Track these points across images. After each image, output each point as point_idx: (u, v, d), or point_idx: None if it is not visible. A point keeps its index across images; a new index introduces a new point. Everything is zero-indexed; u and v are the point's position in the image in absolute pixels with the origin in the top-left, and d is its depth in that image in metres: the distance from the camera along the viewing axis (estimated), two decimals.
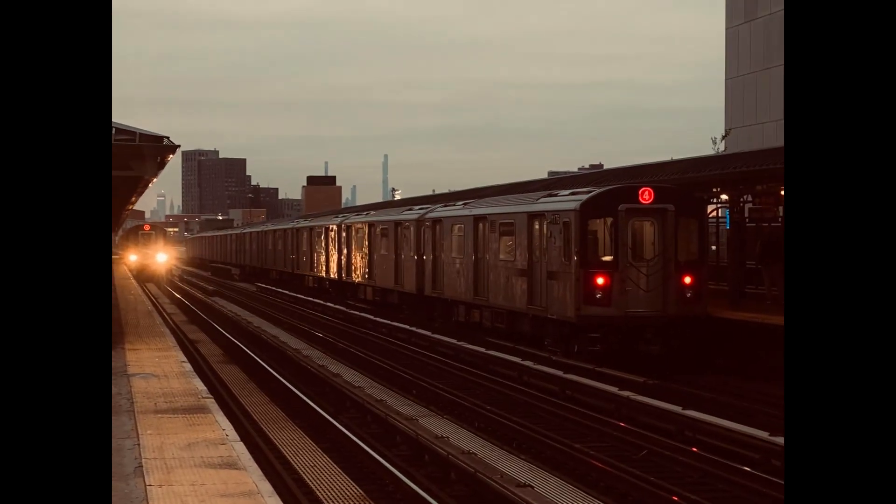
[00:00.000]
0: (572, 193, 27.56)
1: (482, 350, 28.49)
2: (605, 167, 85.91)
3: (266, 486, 10.00)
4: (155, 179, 28.95)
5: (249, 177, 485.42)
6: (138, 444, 11.94)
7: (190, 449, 11.64)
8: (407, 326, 35.60)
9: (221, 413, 14.24)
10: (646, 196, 25.65)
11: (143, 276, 77.34)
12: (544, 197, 29.17)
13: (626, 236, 25.59)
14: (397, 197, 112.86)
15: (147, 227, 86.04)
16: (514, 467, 16.09)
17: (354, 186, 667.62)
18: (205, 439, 12.22)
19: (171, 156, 23.13)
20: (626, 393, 20.67)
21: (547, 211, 27.66)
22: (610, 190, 26.55)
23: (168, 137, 22.78)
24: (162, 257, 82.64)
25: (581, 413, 20.66)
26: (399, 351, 31.89)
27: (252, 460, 11.11)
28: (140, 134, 22.72)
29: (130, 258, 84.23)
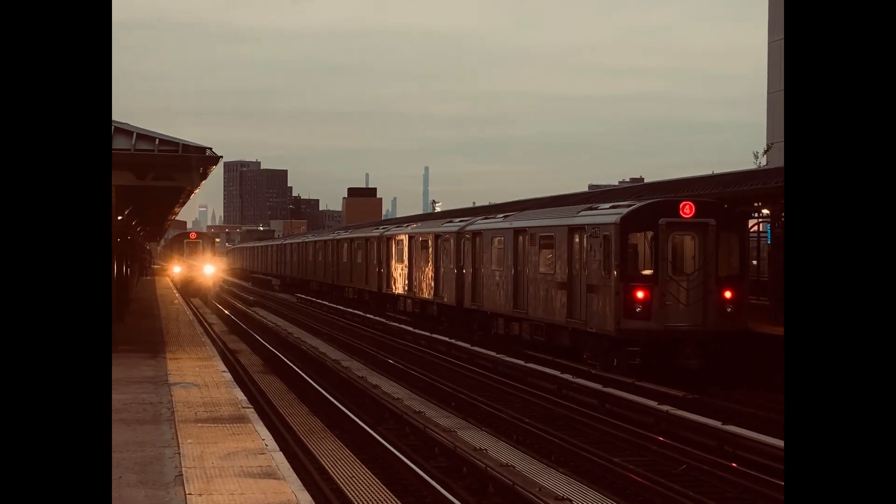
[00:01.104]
0: (612, 207, 27.60)
1: (521, 363, 28.44)
2: (645, 181, 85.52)
3: (305, 497, 10.05)
4: (197, 190, 29.24)
5: (291, 188, 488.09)
6: (179, 453, 12.03)
7: (229, 458, 11.71)
8: (446, 339, 35.62)
9: (261, 423, 14.32)
10: (687, 210, 25.70)
11: (188, 291, 70.47)
12: (584, 210, 29.21)
13: (666, 250, 25.57)
14: (437, 209, 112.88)
15: (194, 236, 78.70)
16: (552, 481, 16.04)
17: (395, 198, 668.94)
18: (244, 449, 12.29)
19: (213, 167, 23.34)
20: (665, 407, 20.56)
21: (587, 224, 27.70)
22: (650, 204, 26.55)
23: (211, 149, 23.00)
24: (209, 269, 74.99)
25: (620, 427, 20.57)
26: (438, 363, 31.91)
27: (291, 470, 11.16)
28: (183, 145, 22.95)
29: (174, 270, 77.63)
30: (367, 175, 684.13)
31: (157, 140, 23.25)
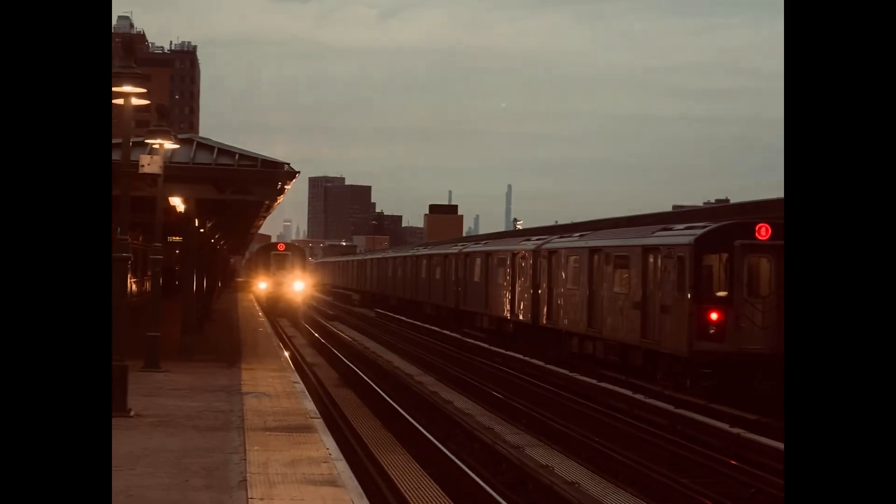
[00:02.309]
0: (687, 228, 27.64)
1: (594, 382, 28.42)
2: (730, 202, 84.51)
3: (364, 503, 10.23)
4: (276, 204, 29.79)
5: (374, 204, 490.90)
6: (245, 459, 12.32)
7: (293, 465, 11.97)
8: (521, 356, 35.68)
9: (327, 433, 14.58)
10: (762, 232, 25.59)
11: (275, 310, 62.46)
12: (660, 231, 29.36)
13: (741, 272, 25.48)
14: (519, 227, 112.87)
15: (282, 247, 69.48)
16: (619, 500, 16.03)
17: (477, 216, 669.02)
18: (308, 457, 12.55)
19: (290, 182, 23.81)
20: (736, 430, 20.41)
21: (662, 245, 27.79)
22: (726, 225, 26.55)
23: (289, 164, 23.51)
24: (299, 286, 65.96)
25: (690, 448, 20.47)
26: (512, 380, 31.99)
27: (353, 478, 11.38)
28: (262, 160, 23.52)
29: (259, 286, 68.35)
30: (449, 192, 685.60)
31: (238, 155, 23.85)
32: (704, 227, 26.85)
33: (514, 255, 42.76)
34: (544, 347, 37.55)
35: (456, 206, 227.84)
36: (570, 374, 30.29)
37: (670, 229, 28.81)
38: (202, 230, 34.99)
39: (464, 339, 44.78)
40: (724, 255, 25.69)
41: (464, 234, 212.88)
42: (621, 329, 30.01)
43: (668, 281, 26.96)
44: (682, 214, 41.16)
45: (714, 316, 25.27)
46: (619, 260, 30.68)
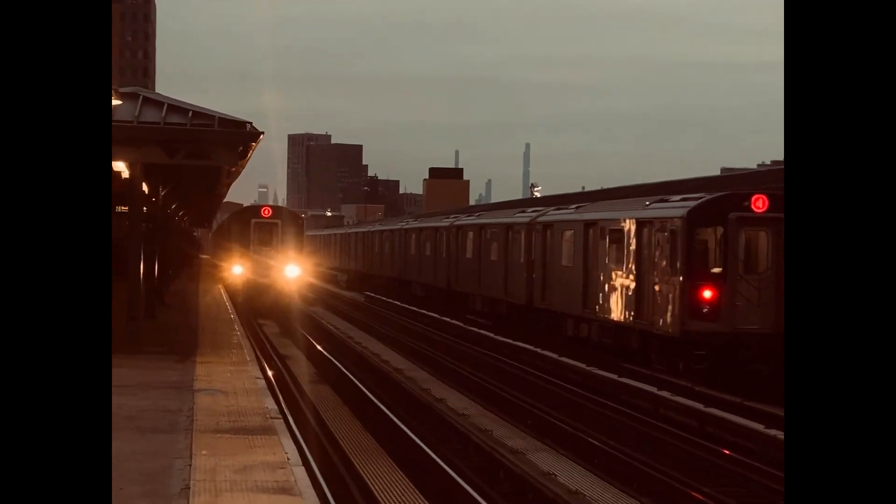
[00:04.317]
0: (683, 200, 29.00)
1: (614, 377, 28.90)
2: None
3: None
4: (240, 170, 30.15)
5: (366, 166, 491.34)
6: (190, 465, 12.78)
7: (245, 472, 12.43)
8: (531, 347, 36.14)
9: (287, 435, 15.02)
10: (759, 204, 27.04)
11: (257, 306, 52.12)
12: (656, 202, 30.69)
13: (736, 247, 27.01)
14: (537, 194, 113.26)
15: (267, 213, 55.20)
16: None
17: (489, 181, 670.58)
18: (263, 462, 13.01)
19: (254, 144, 24.10)
20: (772, 431, 20.87)
21: (655, 218, 29.23)
22: (720, 196, 27.99)
23: (251, 123, 23.74)
24: (293, 272, 53.16)
25: (718, 452, 20.94)
26: (517, 374, 32.44)
27: (310, 486, 11.83)
28: (219, 118, 23.73)
29: (234, 271, 54.43)
30: (456, 152, 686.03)
31: (191, 112, 24.06)
32: (699, 198, 28.25)
33: (508, 228, 43.95)
34: (539, 331, 38.83)
35: (461, 170, 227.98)
36: (588, 368, 30.76)
37: (667, 200, 30.16)
38: (154, 199, 35.43)
39: (466, 327, 45.27)
40: (720, 229, 27.18)
41: (471, 203, 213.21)
42: (616, 309, 31.46)
43: (662, 257, 28.45)
44: (698, 182, 42.38)
45: (707, 294, 26.85)
46: (614, 234, 32.03)
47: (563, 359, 32.95)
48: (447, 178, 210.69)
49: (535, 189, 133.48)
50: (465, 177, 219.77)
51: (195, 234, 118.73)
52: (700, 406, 24.07)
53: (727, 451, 21.08)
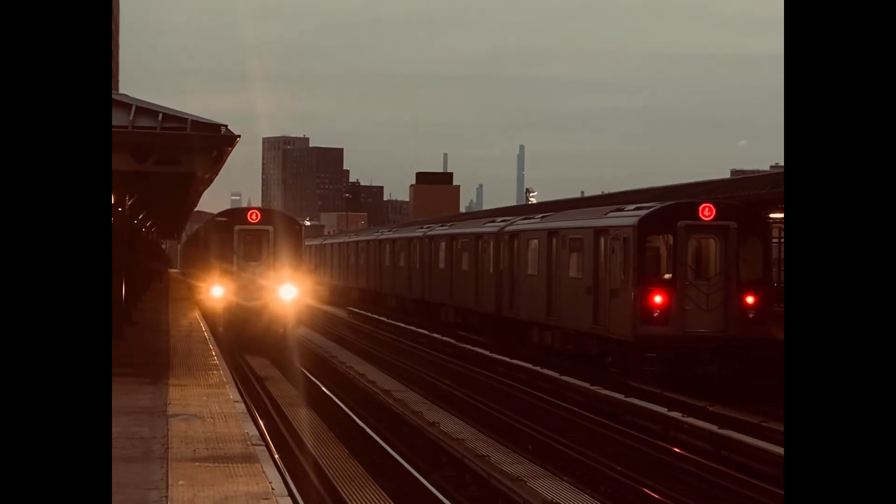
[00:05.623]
0: (636, 208, 32.42)
1: (621, 397, 29.04)
2: None
3: None
4: (214, 176, 30.16)
5: (347, 171, 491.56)
6: (166, 497, 12.78)
7: (226, 503, 12.45)
8: (530, 366, 36.31)
9: (270, 463, 15.04)
10: (706, 212, 30.41)
11: (246, 336, 44.48)
12: (612, 211, 34.12)
13: (685, 254, 30.38)
14: (532, 200, 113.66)
15: (255, 217, 45.43)
16: None
17: (481, 185, 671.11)
18: (246, 493, 13.02)
19: (229, 148, 24.09)
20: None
21: (610, 226, 32.63)
22: (670, 205, 31.56)
23: (226, 126, 23.70)
24: (290, 292, 44.70)
25: (733, 477, 21.02)
26: (515, 395, 32.55)
27: None
28: (192, 121, 23.68)
29: (213, 293, 45.32)
30: (444, 156, 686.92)
31: (161, 115, 24.00)
32: (651, 207, 31.75)
33: (477, 238, 47.22)
34: (509, 341, 41.56)
35: (451, 175, 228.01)
36: (592, 388, 30.93)
37: (622, 209, 33.63)
38: (120, 209, 35.40)
39: (459, 344, 45.39)
40: (669, 237, 30.62)
41: (462, 209, 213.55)
42: (576, 316, 34.70)
43: (616, 263, 31.69)
44: (642, 192, 45.93)
45: (658, 299, 30.16)
46: (574, 243, 35.48)
47: (565, 377, 33.09)
48: (435, 184, 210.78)
49: (531, 195, 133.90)
50: (455, 181, 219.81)
51: (163, 246, 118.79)
52: (714, 427, 24.17)
53: (744, 476, 21.16)
